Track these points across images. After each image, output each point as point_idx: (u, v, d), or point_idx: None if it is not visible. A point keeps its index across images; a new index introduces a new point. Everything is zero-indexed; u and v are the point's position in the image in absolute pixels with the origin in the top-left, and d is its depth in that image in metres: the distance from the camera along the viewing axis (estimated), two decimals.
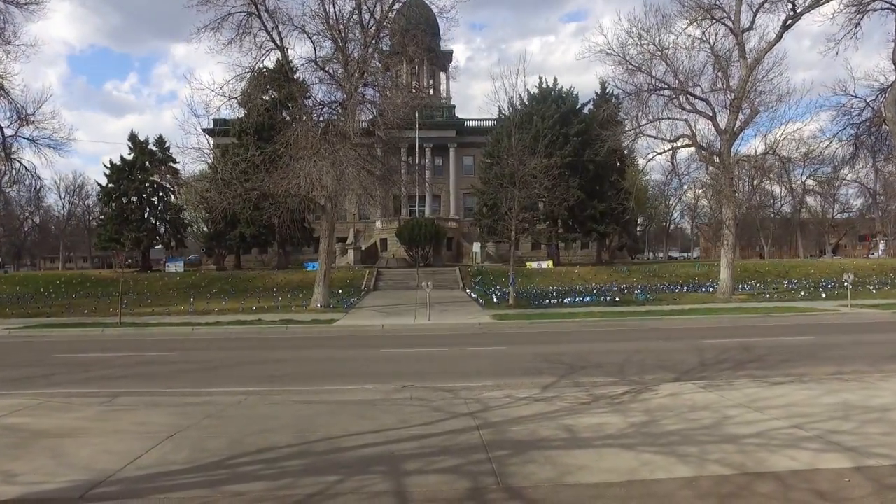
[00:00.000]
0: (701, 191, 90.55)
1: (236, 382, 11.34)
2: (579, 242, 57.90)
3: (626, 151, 50.58)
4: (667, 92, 28.39)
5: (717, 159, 28.60)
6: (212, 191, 24.70)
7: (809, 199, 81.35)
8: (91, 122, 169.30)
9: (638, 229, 78.69)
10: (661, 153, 28.73)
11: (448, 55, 71.11)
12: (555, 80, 48.31)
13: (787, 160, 27.09)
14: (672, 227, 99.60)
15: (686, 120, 29.95)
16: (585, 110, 48.63)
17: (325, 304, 26.80)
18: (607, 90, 50.72)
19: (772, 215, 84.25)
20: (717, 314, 22.17)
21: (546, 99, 46.27)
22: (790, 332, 17.38)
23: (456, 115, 68.28)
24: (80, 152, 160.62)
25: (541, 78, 48.51)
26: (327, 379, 11.64)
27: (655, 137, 30.78)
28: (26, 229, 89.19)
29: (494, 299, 28.90)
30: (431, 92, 70.67)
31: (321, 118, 24.62)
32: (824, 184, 77.06)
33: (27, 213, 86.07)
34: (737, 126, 27.13)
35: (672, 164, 28.79)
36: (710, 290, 30.73)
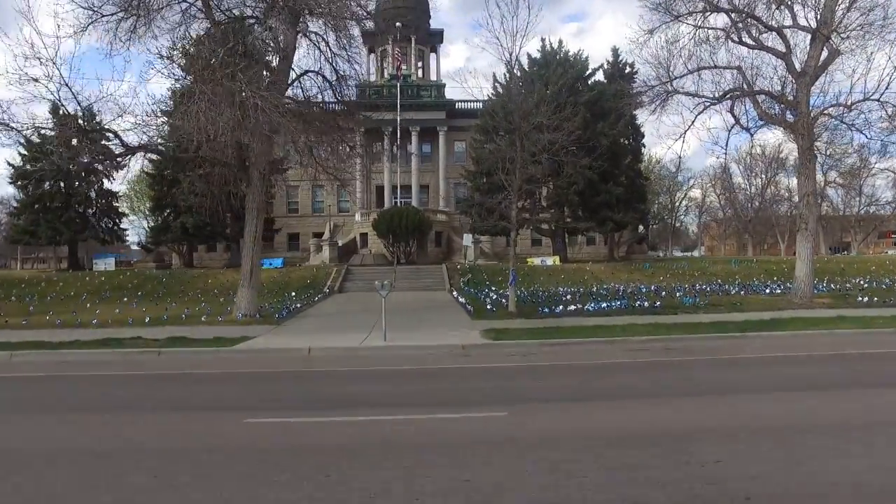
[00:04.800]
0: (710, 185, 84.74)
1: None
2: (585, 238, 50.46)
3: (642, 126, 43.27)
4: (721, 24, 20.91)
5: (787, 117, 21.11)
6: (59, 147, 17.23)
7: (831, 192, 74.37)
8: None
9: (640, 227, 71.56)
10: (714, 102, 21.13)
11: (438, 35, 63.92)
12: (560, 42, 40.73)
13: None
14: (679, 224, 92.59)
15: (740, 67, 22.45)
16: (596, 78, 41.15)
17: (251, 312, 19.12)
18: (620, 58, 43.55)
19: (787, 212, 77.41)
20: (820, 327, 14.62)
21: (550, 63, 38.66)
22: None
23: (446, 95, 60.46)
24: None
25: (543, 40, 40.90)
26: None
27: (695, 95, 23.23)
28: None
29: (488, 305, 21.29)
30: (421, 74, 63.16)
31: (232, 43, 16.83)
32: (847, 175, 70.28)
33: None
34: (820, 62, 19.61)
35: (733, 115, 21.22)
36: (775, 290, 23.27)
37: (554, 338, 14.03)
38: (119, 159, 19.11)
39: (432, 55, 64.27)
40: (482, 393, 8.74)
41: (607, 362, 11.31)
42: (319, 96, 19.67)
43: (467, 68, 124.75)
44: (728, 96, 22.39)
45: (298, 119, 16.55)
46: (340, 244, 49.61)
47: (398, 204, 51.18)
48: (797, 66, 20.59)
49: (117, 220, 42.34)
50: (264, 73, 16.38)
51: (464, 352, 12.83)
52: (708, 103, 20.87)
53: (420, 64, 63.50)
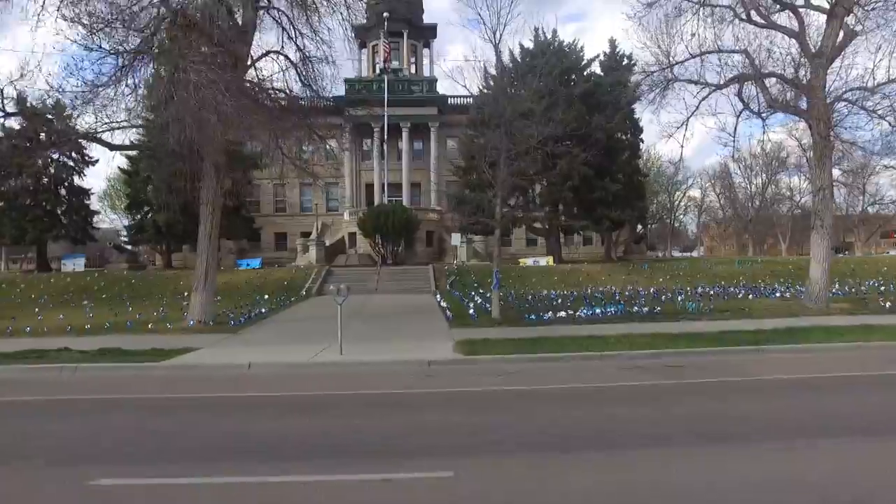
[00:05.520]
0: (710, 184, 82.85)
1: None
2: (581, 237, 48.54)
3: (640, 121, 41.37)
4: (727, 1, 18.98)
5: (800, 103, 19.17)
6: None
7: (833, 191, 72.11)
8: None
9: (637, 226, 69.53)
10: (718, 88, 19.20)
11: (431, 30, 61.80)
12: (554, 31, 38.75)
13: None
14: (678, 224, 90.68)
15: (746, 50, 20.54)
16: (592, 70, 39.16)
17: (205, 318, 17.18)
18: (617, 49, 41.57)
19: (789, 211, 75.62)
20: (845, 338, 12.67)
21: (543, 53, 36.63)
22: None
23: (438, 91, 58.37)
24: None
25: (537, 30, 38.80)
26: None
27: (697, 83, 21.33)
28: None
29: (471, 310, 19.32)
30: (414, 70, 61.03)
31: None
32: (850, 173, 68.38)
33: None
34: (838, 41, 17.67)
35: (741, 99, 19.27)
36: (785, 293, 21.35)
37: (538, 351, 12.07)
38: (43, 149, 17.03)
39: (425, 51, 62.12)
40: (431, 434, 6.75)
41: (597, 386, 9.33)
42: (282, 77, 17.67)
43: (464, 68, 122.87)
44: (735, 81, 20.48)
45: (253, 103, 14.57)
46: (328, 244, 47.79)
47: (389, 202, 49.31)
48: (811, 46, 18.66)
49: (89, 219, 40.30)
50: (210, 49, 14.34)
51: (429, 370, 10.85)
52: (713, 88, 18.91)
53: (413, 60, 61.39)
